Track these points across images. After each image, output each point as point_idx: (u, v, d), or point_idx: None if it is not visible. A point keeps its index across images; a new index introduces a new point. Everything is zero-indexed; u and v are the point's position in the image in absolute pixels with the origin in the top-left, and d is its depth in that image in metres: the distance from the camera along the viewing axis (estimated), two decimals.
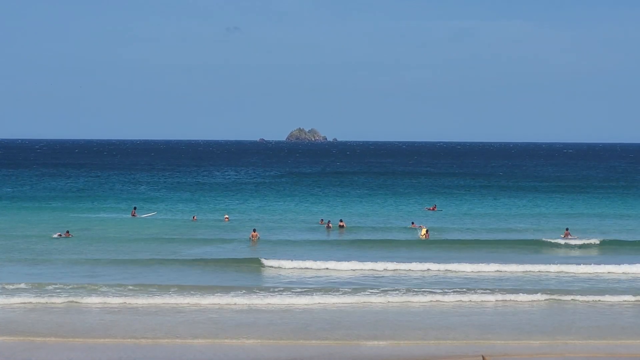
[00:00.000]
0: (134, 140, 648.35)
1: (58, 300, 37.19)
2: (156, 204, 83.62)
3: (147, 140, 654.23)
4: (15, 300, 37.00)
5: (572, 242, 58.62)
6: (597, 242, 58.85)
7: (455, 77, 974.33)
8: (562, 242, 58.62)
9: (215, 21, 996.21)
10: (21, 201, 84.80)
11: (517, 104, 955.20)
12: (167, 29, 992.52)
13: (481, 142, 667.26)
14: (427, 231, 60.35)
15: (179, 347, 29.95)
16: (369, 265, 47.56)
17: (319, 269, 47.02)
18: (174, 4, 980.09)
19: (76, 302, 36.97)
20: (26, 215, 71.31)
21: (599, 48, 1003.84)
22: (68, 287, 39.45)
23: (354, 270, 46.81)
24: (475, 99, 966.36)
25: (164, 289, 39.71)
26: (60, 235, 58.21)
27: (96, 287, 39.60)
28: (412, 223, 66.58)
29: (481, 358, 27.96)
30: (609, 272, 47.26)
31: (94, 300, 37.27)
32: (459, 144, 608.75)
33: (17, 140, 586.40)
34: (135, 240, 57.40)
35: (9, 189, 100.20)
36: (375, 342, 30.97)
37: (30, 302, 36.67)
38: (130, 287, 39.74)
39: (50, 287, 39.38)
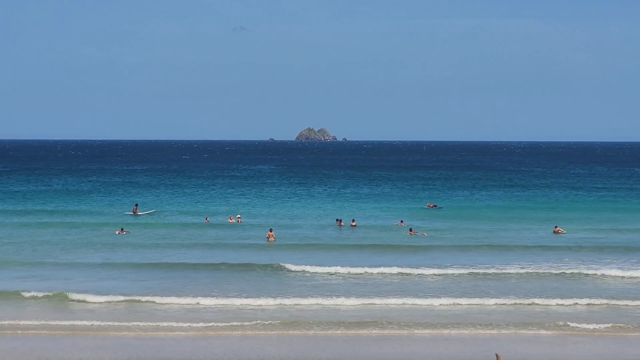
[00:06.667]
0: (143, 140, 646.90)
1: None
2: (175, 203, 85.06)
3: (156, 140, 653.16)
4: None
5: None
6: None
7: (465, 75, 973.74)
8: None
9: (221, 21, 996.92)
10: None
11: (526, 102, 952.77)
12: (172, 29, 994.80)
13: (494, 142, 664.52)
14: (410, 229, 61.65)
15: None
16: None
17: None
18: (180, 4, 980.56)
19: None
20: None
21: (609, 46, 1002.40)
22: None
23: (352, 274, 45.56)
24: (486, 97, 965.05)
25: None
26: (120, 231, 60.51)
27: None
28: (401, 221, 66.81)
29: (495, 357, 28.41)
30: None
31: None
32: (470, 143, 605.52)
33: (24, 140, 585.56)
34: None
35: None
36: None
37: None
38: None
39: None
